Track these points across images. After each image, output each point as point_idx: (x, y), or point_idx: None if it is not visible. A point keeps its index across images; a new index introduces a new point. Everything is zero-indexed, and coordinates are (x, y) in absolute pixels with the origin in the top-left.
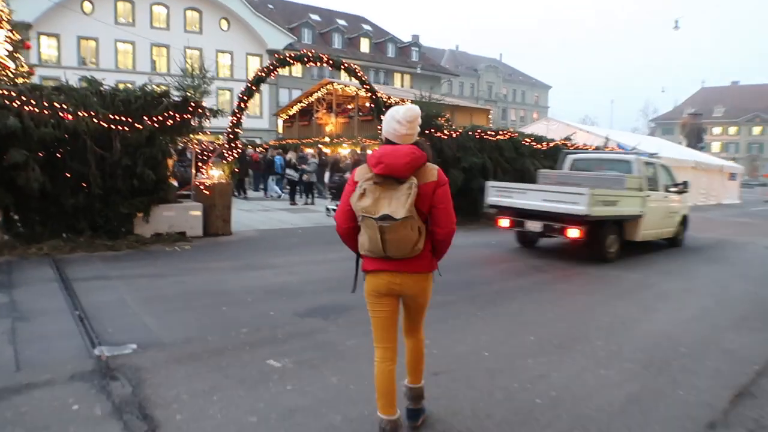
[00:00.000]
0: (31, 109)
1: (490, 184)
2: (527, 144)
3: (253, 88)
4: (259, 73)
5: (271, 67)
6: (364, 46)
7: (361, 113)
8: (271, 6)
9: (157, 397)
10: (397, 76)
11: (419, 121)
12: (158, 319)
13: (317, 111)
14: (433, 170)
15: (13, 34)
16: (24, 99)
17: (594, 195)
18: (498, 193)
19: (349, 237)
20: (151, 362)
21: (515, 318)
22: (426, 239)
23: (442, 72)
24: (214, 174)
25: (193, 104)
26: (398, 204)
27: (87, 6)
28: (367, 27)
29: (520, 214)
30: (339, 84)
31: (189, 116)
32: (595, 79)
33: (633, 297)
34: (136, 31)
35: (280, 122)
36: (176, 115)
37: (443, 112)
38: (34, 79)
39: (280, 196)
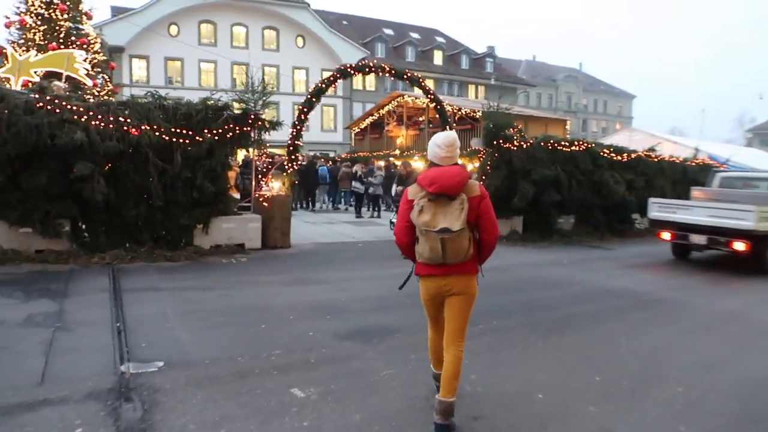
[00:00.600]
0: (98, 123)
1: (652, 200)
2: (605, 155)
3: (313, 99)
4: (320, 85)
5: (332, 79)
6: (438, 58)
7: (431, 125)
8: (345, 22)
9: (163, 425)
10: (471, 88)
11: (458, 143)
12: (193, 335)
13: (388, 124)
14: (475, 186)
15: (98, 56)
16: (91, 114)
17: (761, 212)
18: (661, 209)
19: (408, 249)
20: (171, 383)
21: (580, 352)
22: (473, 245)
23: (518, 83)
24: (274, 186)
25: (252, 116)
26: (453, 218)
27: (173, 29)
28: (440, 39)
29: (682, 228)
30: (410, 96)
31: (248, 128)
32: (683, 87)
33: (724, 331)
34: (218, 50)
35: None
36: (236, 127)
37: (515, 123)
38: (123, 97)
39: (327, 208)
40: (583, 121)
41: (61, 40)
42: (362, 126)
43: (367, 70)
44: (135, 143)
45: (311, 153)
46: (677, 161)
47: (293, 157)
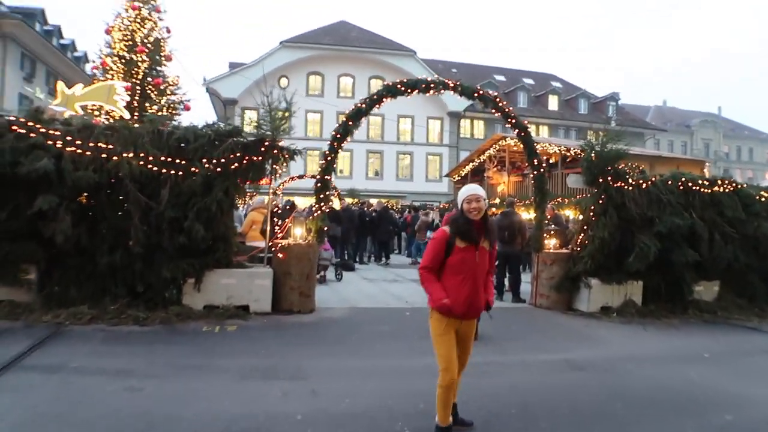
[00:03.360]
0: (74, 150)
1: None
2: (763, 200)
3: (350, 123)
4: (360, 105)
5: (376, 98)
6: (553, 103)
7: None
8: (454, 70)
9: None
10: (592, 136)
11: (484, 195)
12: None
13: (488, 169)
14: None
15: (173, 96)
16: (69, 139)
17: None
18: None
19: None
20: None
21: None
22: None
23: (644, 127)
24: (296, 233)
25: (267, 143)
26: None
27: (283, 81)
28: (555, 84)
29: None
30: (512, 138)
31: (260, 158)
32: None
33: None
34: (325, 100)
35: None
36: (244, 156)
37: (638, 165)
38: None
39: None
40: (725, 171)
41: (137, 81)
42: (462, 173)
43: (423, 86)
44: (115, 174)
45: (383, 201)
46: None
47: (322, 196)
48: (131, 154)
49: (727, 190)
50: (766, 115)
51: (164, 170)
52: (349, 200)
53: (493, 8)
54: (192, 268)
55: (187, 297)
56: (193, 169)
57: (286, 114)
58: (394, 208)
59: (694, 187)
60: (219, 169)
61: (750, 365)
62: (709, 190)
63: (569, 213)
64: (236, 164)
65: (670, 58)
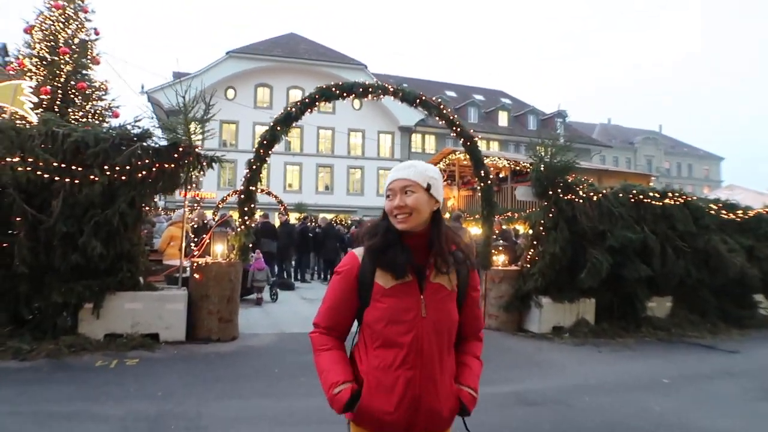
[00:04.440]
0: None
1: None
2: (713, 213)
3: (278, 128)
4: (290, 110)
5: (308, 101)
6: (503, 119)
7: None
8: (405, 85)
9: None
10: (540, 148)
11: (422, 179)
12: None
13: None
14: None
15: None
16: None
17: None
18: None
19: None
20: None
21: None
22: None
23: (591, 143)
24: (217, 250)
25: (182, 148)
26: None
27: (230, 92)
28: (505, 100)
29: None
30: (462, 153)
31: (173, 165)
32: None
33: None
34: (274, 113)
35: None
36: (155, 163)
37: (587, 179)
38: None
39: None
40: (666, 186)
41: (59, 85)
42: None
43: (360, 90)
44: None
45: (328, 216)
46: None
47: (246, 209)
48: (17, 159)
49: (677, 203)
50: (703, 134)
51: (57, 178)
52: (295, 215)
53: (447, 29)
54: (89, 292)
55: (84, 325)
56: (91, 177)
57: (208, 117)
58: (343, 223)
59: (645, 200)
60: (124, 177)
61: (711, 391)
62: (660, 203)
63: (519, 227)
64: (144, 172)
65: (614, 78)
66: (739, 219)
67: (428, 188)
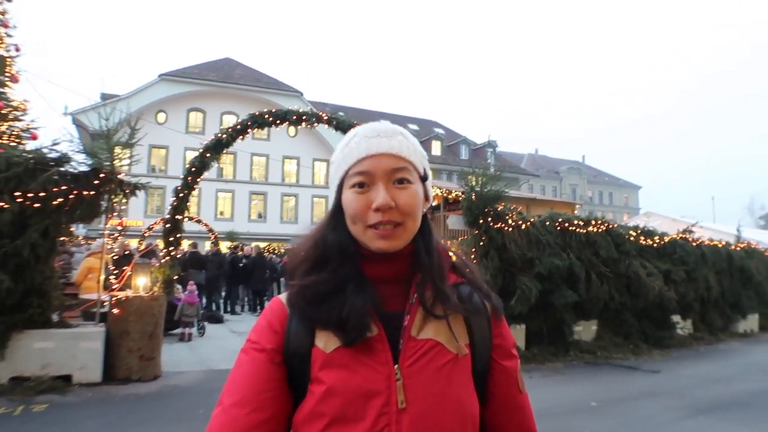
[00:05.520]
0: None
1: None
2: (632, 239)
3: (208, 155)
4: (219, 136)
5: (240, 128)
6: (436, 148)
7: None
8: (341, 113)
9: None
10: (471, 178)
11: (408, 154)
12: None
13: None
14: None
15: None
16: None
17: None
18: None
19: None
20: None
21: None
22: None
23: (519, 173)
24: (139, 283)
25: (103, 174)
26: None
27: (161, 116)
28: (438, 130)
29: None
30: None
31: (93, 192)
32: (690, 175)
33: None
34: (206, 138)
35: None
36: (73, 190)
37: (515, 207)
38: None
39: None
40: (589, 213)
41: None
42: None
43: (294, 117)
44: None
45: (262, 245)
46: (720, 245)
47: (172, 239)
48: None
49: (600, 230)
50: (622, 164)
51: None
52: (227, 244)
53: (385, 59)
54: None
55: None
56: (1, 204)
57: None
58: (275, 251)
59: (570, 228)
60: (37, 205)
61: (637, 412)
62: (585, 230)
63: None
64: (61, 199)
65: (540, 111)
66: (656, 245)
67: (425, 178)
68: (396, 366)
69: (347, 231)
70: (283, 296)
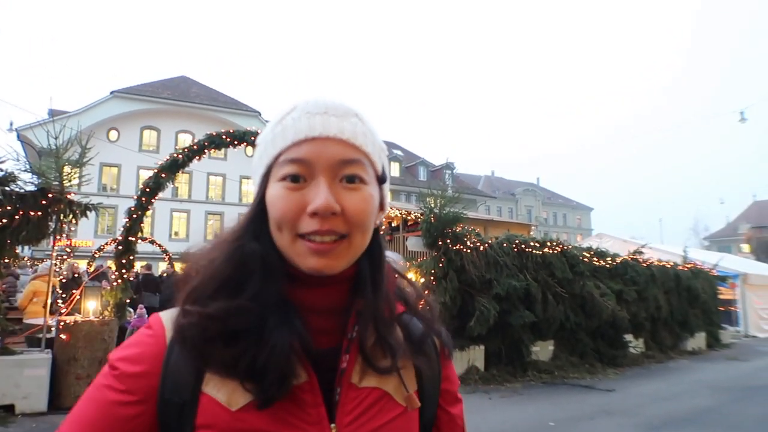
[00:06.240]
0: None
1: None
2: (585, 260)
3: (163, 175)
4: (175, 156)
5: (196, 148)
6: (394, 169)
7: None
8: None
9: None
10: (430, 200)
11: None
12: None
13: None
14: None
15: None
16: None
17: None
18: None
19: None
20: None
21: None
22: None
23: (476, 194)
24: (89, 307)
25: (51, 195)
26: None
27: (113, 134)
28: (397, 152)
29: None
30: None
31: (40, 213)
32: (639, 198)
33: None
34: (161, 157)
35: None
36: (19, 210)
37: (473, 229)
38: None
39: None
40: (544, 234)
41: None
42: None
43: (252, 138)
44: None
45: None
46: (668, 266)
47: (124, 261)
48: None
49: (555, 252)
50: (574, 186)
51: None
52: (180, 265)
53: (343, 79)
54: None
55: None
56: None
57: (84, 159)
58: None
59: (527, 249)
60: None
61: (593, 431)
62: (541, 252)
63: (410, 276)
64: (5, 220)
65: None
66: (608, 266)
67: (382, 177)
68: (333, 426)
69: (272, 241)
70: (166, 317)
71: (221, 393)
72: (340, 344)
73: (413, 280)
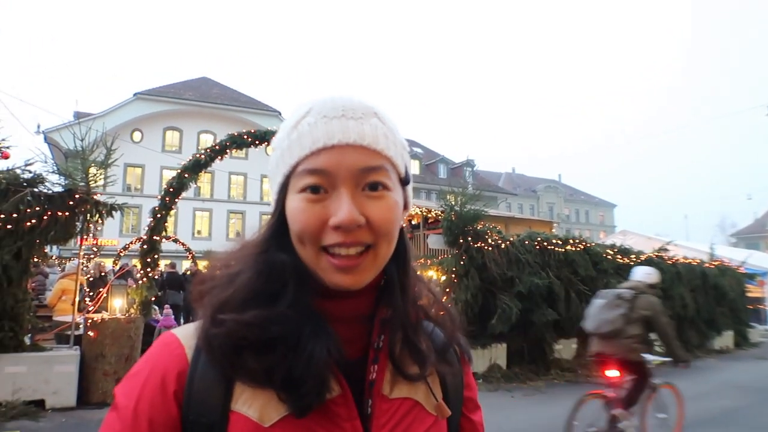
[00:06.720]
0: None
1: None
2: (609, 258)
3: (186, 175)
4: (198, 157)
5: (218, 148)
6: (414, 167)
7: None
8: None
9: None
10: (451, 197)
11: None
12: None
13: None
14: None
15: None
16: None
17: None
18: None
19: None
20: None
21: None
22: None
23: (497, 191)
24: (115, 305)
25: (77, 196)
26: None
27: (137, 135)
28: (416, 149)
29: None
30: None
31: (68, 213)
32: (663, 193)
33: None
34: (183, 157)
35: None
36: (47, 211)
37: (494, 226)
38: None
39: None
40: (567, 231)
41: None
42: None
43: (273, 138)
44: None
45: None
46: (694, 263)
47: (149, 260)
48: None
49: (578, 249)
50: (597, 183)
51: None
52: (204, 263)
53: (364, 77)
54: None
55: None
56: None
57: (110, 161)
58: None
59: (549, 247)
60: (9, 226)
61: None
62: (563, 249)
63: (432, 274)
64: (34, 220)
65: (516, 131)
66: (633, 263)
67: (406, 179)
68: None
69: (297, 252)
70: (181, 334)
71: (252, 409)
72: (365, 353)
73: (431, 283)
